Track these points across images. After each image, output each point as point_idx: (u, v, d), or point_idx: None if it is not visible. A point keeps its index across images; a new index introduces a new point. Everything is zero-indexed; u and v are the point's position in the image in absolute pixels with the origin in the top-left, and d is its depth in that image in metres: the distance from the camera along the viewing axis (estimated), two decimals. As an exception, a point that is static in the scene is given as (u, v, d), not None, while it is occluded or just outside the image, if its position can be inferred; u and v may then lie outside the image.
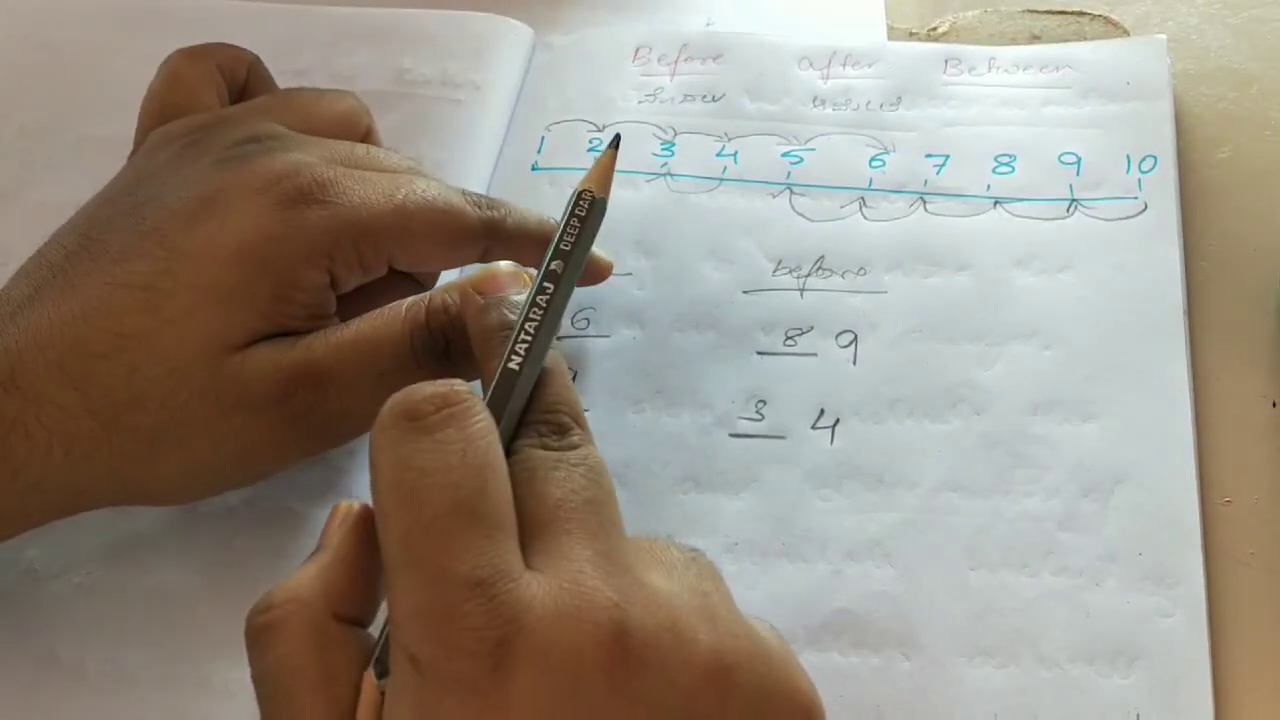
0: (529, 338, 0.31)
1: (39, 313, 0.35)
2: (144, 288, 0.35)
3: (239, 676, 0.36)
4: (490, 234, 0.38)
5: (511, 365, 0.30)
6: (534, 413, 0.30)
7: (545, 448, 0.29)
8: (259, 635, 0.27)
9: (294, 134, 0.38)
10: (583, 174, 0.35)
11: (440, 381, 0.28)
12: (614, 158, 0.36)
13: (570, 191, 0.36)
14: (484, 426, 0.27)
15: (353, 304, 0.37)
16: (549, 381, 0.31)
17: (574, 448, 0.29)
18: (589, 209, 0.35)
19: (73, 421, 0.34)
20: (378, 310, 0.36)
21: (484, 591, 0.25)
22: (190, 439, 0.35)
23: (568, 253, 0.34)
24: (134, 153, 0.41)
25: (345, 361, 0.35)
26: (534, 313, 0.32)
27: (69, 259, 0.36)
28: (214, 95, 0.41)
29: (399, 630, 0.25)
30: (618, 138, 0.37)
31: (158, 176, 0.38)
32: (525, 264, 0.37)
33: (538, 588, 0.25)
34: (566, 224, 0.35)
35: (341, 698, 0.26)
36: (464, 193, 0.39)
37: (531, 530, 0.27)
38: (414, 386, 0.27)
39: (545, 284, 0.33)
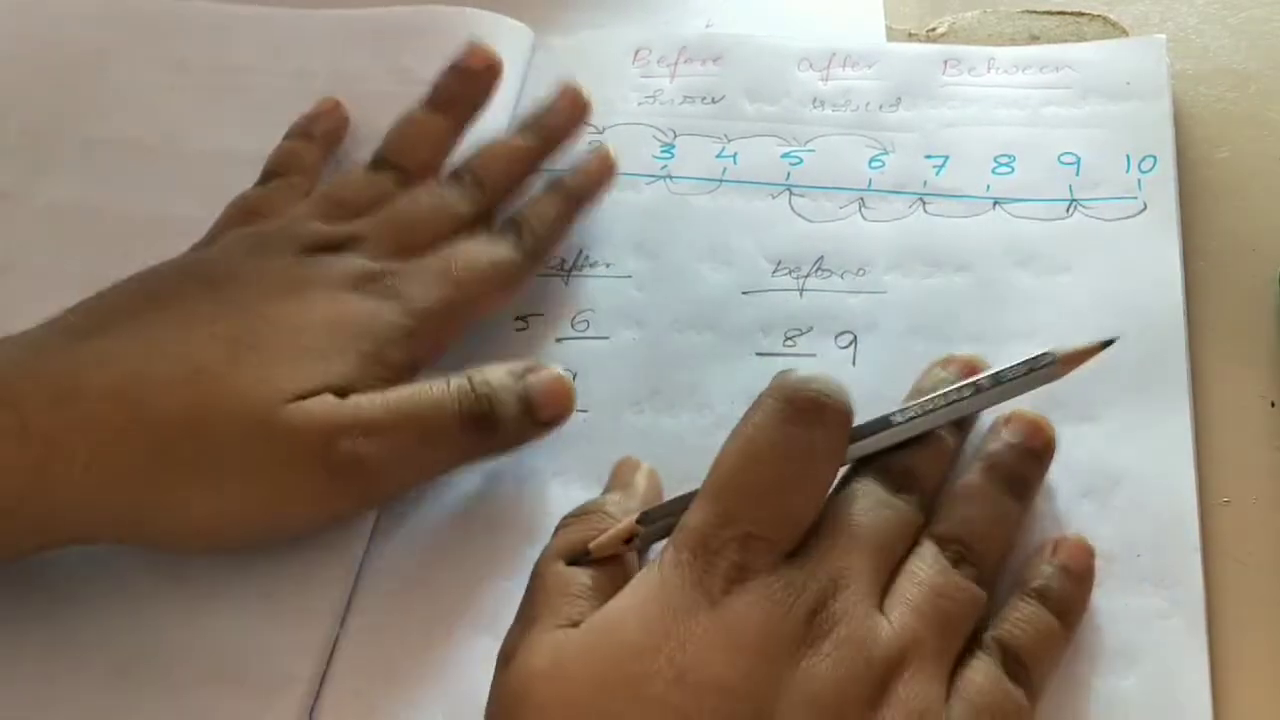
0: (927, 410, 0.35)
1: (105, 340, 0.36)
2: (228, 339, 0.36)
3: (238, 676, 0.36)
4: (533, 261, 0.42)
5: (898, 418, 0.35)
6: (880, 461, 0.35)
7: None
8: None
9: (353, 232, 0.41)
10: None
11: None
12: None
13: None
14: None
15: None
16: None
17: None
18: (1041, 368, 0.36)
19: (116, 437, 0.34)
20: (428, 380, 0.38)
21: (742, 544, 0.31)
22: (227, 477, 0.35)
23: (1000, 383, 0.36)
24: (202, 243, 0.42)
25: (393, 415, 0.36)
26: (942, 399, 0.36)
27: (141, 305, 0.37)
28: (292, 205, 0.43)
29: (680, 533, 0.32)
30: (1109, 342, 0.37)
31: (232, 263, 0.39)
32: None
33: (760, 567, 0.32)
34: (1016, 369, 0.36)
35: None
36: (500, 233, 0.42)
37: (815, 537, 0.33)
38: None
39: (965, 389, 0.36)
